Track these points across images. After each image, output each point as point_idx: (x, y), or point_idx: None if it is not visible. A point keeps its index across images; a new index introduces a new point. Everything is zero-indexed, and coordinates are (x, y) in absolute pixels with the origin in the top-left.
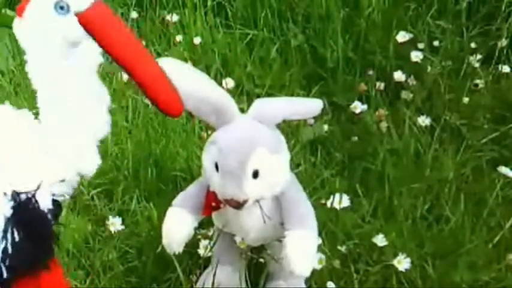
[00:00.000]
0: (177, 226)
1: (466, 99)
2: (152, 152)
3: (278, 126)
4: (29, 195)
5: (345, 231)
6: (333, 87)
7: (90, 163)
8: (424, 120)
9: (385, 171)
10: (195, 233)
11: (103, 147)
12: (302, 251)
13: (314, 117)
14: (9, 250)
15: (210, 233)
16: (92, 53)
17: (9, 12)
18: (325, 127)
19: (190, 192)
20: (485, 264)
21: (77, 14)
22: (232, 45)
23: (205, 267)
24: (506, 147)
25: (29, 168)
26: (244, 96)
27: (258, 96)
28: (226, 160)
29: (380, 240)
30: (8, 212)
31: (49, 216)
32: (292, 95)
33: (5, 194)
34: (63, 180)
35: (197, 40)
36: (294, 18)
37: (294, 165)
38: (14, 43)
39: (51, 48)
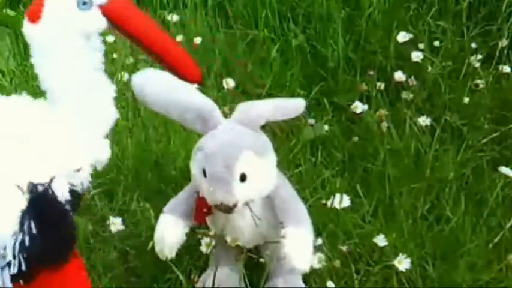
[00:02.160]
0: (168, 233)
1: (466, 100)
2: (152, 152)
3: (277, 127)
4: (45, 187)
5: (345, 231)
6: (334, 87)
7: (103, 152)
8: (424, 120)
9: (386, 171)
10: (195, 232)
11: None
12: (301, 247)
13: (314, 117)
14: (27, 242)
15: (210, 233)
16: (98, 49)
17: (9, 12)
18: (326, 127)
19: (181, 199)
20: (485, 264)
21: (100, 7)
22: (232, 45)
23: (205, 267)
24: (507, 147)
25: (45, 159)
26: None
27: (259, 96)
28: (213, 165)
29: (380, 240)
30: (23, 204)
31: (67, 207)
32: (292, 95)
33: (18, 186)
34: (79, 170)
35: (197, 40)
36: (294, 18)
37: (294, 165)
38: (14, 43)
39: (71, 45)
